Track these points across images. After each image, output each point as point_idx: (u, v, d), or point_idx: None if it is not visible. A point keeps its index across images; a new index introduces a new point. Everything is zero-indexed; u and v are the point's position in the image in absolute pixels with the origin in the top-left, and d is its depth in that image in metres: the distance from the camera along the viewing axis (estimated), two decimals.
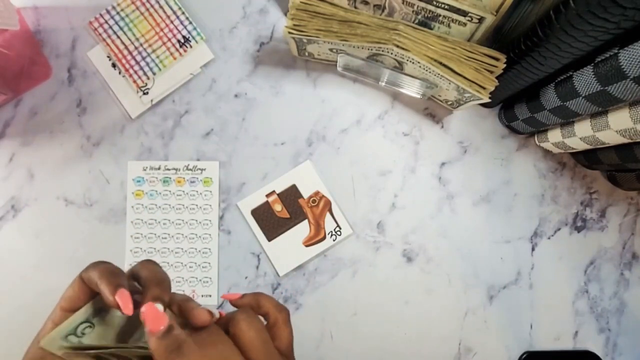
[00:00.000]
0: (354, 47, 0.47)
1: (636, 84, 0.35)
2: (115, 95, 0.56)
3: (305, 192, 0.55)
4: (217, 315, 0.28)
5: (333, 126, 0.56)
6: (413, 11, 0.46)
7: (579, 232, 0.56)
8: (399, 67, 0.49)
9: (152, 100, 0.55)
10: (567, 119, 0.46)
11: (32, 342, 0.27)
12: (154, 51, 0.55)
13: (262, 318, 0.30)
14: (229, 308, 0.56)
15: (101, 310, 0.27)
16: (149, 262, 0.28)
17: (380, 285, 0.55)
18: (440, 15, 0.45)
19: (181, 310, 0.27)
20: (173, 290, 0.29)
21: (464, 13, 0.43)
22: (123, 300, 0.25)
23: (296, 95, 0.56)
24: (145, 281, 0.27)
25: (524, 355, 0.54)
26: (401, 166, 0.56)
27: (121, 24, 0.55)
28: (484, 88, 0.45)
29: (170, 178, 0.55)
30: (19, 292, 0.54)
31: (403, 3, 0.45)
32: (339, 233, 0.55)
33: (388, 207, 0.56)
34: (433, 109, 0.57)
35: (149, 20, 0.55)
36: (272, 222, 0.55)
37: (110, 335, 0.28)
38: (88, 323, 0.27)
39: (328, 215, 0.55)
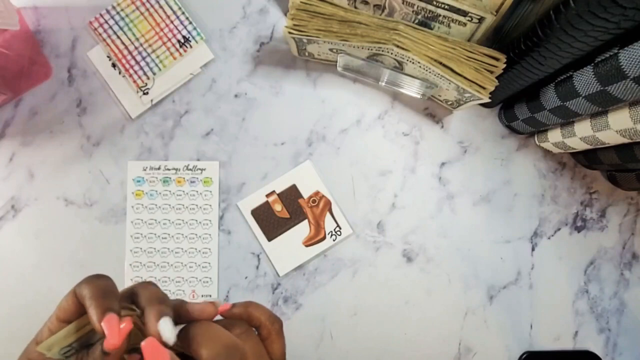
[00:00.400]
0: (354, 47, 0.47)
1: (636, 84, 0.35)
2: (115, 95, 0.56)
3: (305, 192, 0.55)
4: (221, 304, 0.27)
5: (333, 126, 0.56)
6: (413, 11, 0.46)
7: (579, 232, 0.56)
8: (399, 67, 0.49)
9: (152, 100, 0.55)
10: (567, 119, 0.46)
11: (30, 342, 0.27)
12: (154, 51, 0.55)
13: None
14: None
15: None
16: (148, 283, 0.27)
17: (380, 285, 0.55)
18: (440, 15, 0.45)
19: (180, 314, 0.26)
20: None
21: (464, 13, 0.43)
22: (110, 327, 0.23)
23: (296, 95, 0.56)
24: (146, 300, 0.26)
25: (524, 355, 0.54)
26: (401, 166, 0.56)
27: (121, 24, 0.55)
28: (484, 88, 0.45)
29: (170, 178, 0.55)
30: (19, 292, 0.54)
31: (403, 3, 0.45)
32: (339, 233, 0.55)
33: (388, 207, 0.56)
34: (433, 109, 0.57)
35: (149, 20, 0.55)
36: (272, 222, 0.55)
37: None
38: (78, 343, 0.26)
39: (328, 215, 0.55)
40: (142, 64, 0.55)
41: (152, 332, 0.24)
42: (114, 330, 0.23)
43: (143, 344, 0.23)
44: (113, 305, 0.24)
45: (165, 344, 0.24)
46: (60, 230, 0.55)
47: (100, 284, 0.26)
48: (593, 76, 0.38)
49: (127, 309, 0.26)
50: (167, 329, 0.24)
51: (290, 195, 0.55)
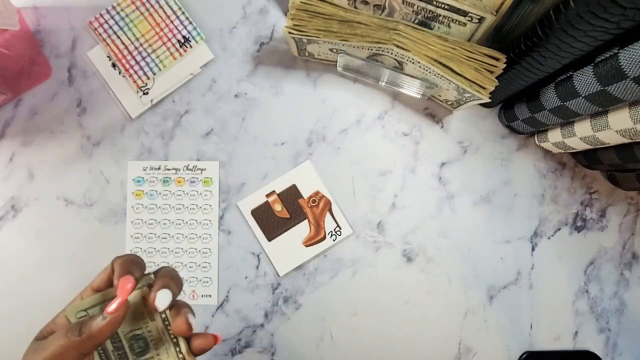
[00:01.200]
0: (354, 47, 0.47)
1: (636, 84, 0.35)
2: (115, 95, 0.56)
3: (305, 192, 0.55)
4: (193, 330, 0.29)
5: (333, 126, 0.56)
6: (413, 11, 0.46)
7: (579, 232, 0.56)
8: (399, 67, 0.49)
9: (152, 100, 0.55)
10: (567, 119, 0.46)
11: (62, 309, 0.30)
12: (154, 51, 0.55)
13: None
14: (231, 307, 0.56)
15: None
16: (168, 266, 0.32)
17: (380, 285, 0.55)
18: (440, 15, 0.45)
19: (174, 311, 0.30)
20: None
21: (464, 13, 0.43)
22: (122, 284, 0.27)
23: (296, 95, 0.56)
24: (160, 274, 0.30)
25: (524, 355, 0.54)
26: (401, 166, 0.56)
27: (121, 24, 0.55)
28: (484, 88, 0.45)
29: (170, 178, 0.55)
30: (19, 292, 0.54)
31: (403, 3, 0.45)
32: (339, 233, 0.55)
33: (388, 207, 0.56)
34: (433, 109, 0.57)
35: (149, 20, 0.55)
36: (272, 222, 0.55)
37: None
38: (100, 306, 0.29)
39: (328, 215, 0.55)
40: (142, 64, 0.55)
41: (151, 297, 0.28)
42: (124, 287, 0.27)
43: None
44: (135, 271, 0.28)
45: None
46: (60, 230, 0.55)
47: (133, 257, 0.30)
48: (593, 76, 0.38)
49: (146, 286, 0.30)
50: (162, 298, 0.28)
51: (290, 195, 0.55)
